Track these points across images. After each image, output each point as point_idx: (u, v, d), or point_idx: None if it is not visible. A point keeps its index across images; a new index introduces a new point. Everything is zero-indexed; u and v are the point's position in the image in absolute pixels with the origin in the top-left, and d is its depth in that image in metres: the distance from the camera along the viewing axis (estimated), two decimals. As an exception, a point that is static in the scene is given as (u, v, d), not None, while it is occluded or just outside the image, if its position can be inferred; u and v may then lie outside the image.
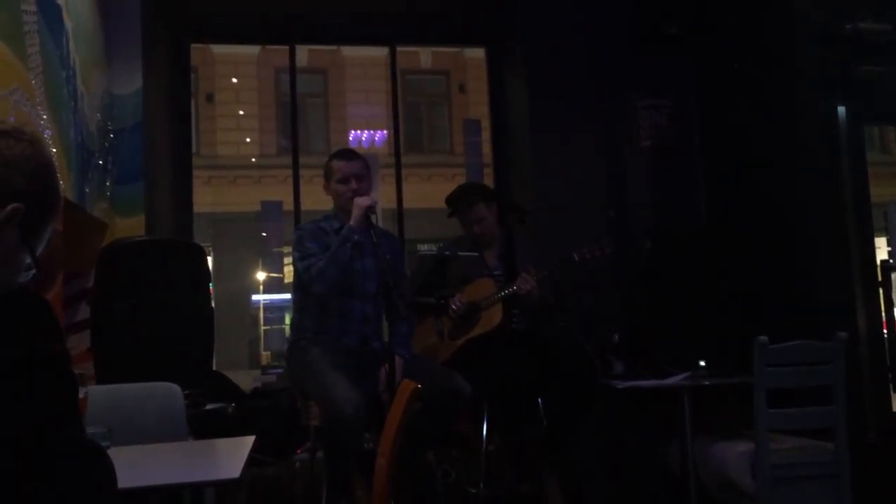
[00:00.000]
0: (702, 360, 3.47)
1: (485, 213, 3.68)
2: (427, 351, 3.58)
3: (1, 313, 0.94)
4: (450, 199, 3.81)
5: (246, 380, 5.30)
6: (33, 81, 2.76)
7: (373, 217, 3.19)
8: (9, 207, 1.09)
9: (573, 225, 4.29)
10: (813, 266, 3.69)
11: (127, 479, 1.09)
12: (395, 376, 2.92)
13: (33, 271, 1.17)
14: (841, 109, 3.86)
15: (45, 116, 2.88)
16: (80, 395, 1.13)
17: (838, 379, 2.98)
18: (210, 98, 13.59)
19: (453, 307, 3.53)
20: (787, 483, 3.01)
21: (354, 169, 3.27)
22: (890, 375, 3.83)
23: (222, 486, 1.71)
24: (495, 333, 3.50)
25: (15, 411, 0.91)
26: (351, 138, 13.55)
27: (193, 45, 5.21)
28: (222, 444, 2.27)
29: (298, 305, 3.32)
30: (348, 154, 3.37)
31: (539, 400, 3.44)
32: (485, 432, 3.43)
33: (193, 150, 5.41)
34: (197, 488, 1.76)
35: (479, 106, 11.90)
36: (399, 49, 5.56)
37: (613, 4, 4.60)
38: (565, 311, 3.74)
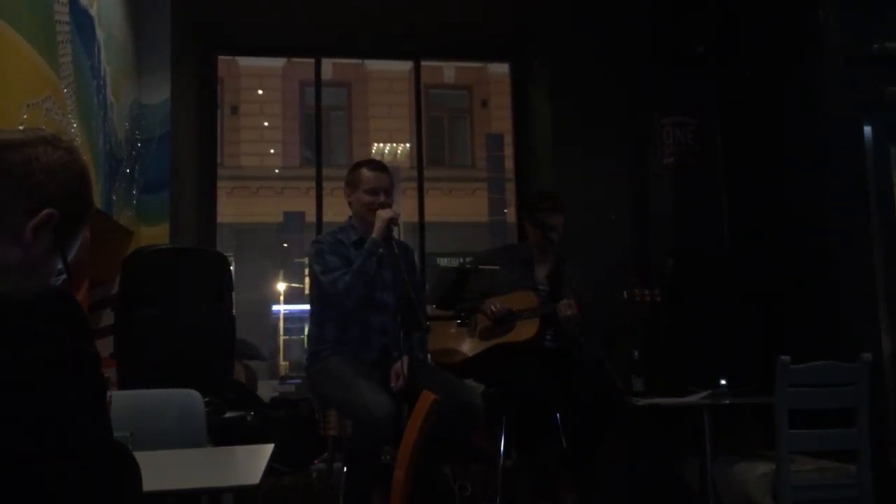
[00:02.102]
0: (723, 378, 3.44)
1: (562, 223, 3.67)
2: (454, 343, 3.58)
3: (32, 313, 0.95)
4: (533, 199, 3.77)
5: (264, 389, 5.32)
6: (65, 90, 2.81)
7: (395, 230, 3.20)
8: (43, 213, 1.11)
9: (595, 242, 4.29)
10: (837, 286, 3.66)
11: (146, 482, 1.10)
12: (413, 380, 2.93)
13: (63, 276, 1.19)
14: (867, 129, 3.84)
15: (75, 125, 2.93)
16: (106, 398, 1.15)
17: (862, 401, 2.94)
18: (235, 110, 13.75)
19: (492, 308, 3.50)
20: (809, 506, 2.97)
21: (384, 182, 3.27)
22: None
23: (241, 493, 1.71)
24: (524, 347, 3.49)
25: (44, 410, 0.93)
26: (373, 151, 13.63)
27: (220, 58, 5.29)
28: (242, 451, 2.28)
29: (317, 317, 3.30)
30: (379, 166, 3.34)
31: (557, 416, 3.42)
32: (502, 447, 3.42)
33: (218, 160, 5.47)
34: (216, 494, 1.77)
35: (500, 121, 11.95)
36: (423, 64, 5.61)
37: (639, 22, 4.61)
38: (585, 326, 3.73)
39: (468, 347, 3.58)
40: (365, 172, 3.28)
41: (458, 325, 3.62)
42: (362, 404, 2.83)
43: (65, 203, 1.14)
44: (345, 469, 3.00)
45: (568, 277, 3.62)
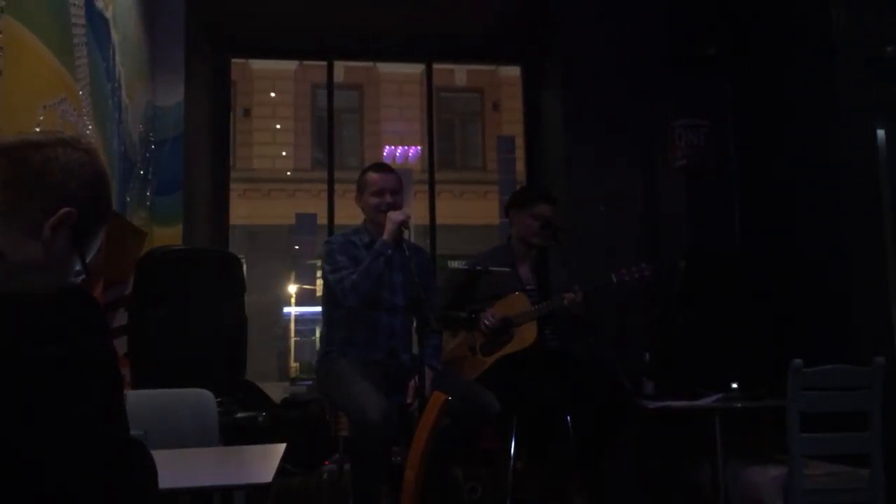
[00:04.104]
0: (734, 381, 3.43)
1: (550, 214, 3.65)
2: (459, 365, 3.57)
3: (50, 310, 0.97)
4: (526, 191, 3.84)
5: (275, 391, 5.32)
6: (80, 92, 2.84)
7: (405, 232, 3.22)
8: (61, 211, 1.13)
9: (607, 243, 4.29)
10: (850, 289, 3.64)
11: (160, 480, 1.11)
12: (424, 388, 2.93)
13: (82, 277, 1.21)
14: (880, 133, 3.82)
15: (90, 127, 2.95)
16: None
17: (875, 404, 2.93)
18: (247, 112, 13.81)
19: (486, 322, 3.49)
20: (821, 510, 2.96)
21: (389, 183, 3.29)
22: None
23: (253, 491, 1.73)
24: (528, 351, 3.48)
25: (62, 407, 0.94)
26: (385, 154, 13.66)
27: (233, 60, 5.32)
28: (254, 450, 2.29)
29: (327, 319, 3.33)
30: (384, 168, 3.40)
31: (568, 418, 3.42)
32: (513, 449, 3.42)
33: (230, 162, 5.50)
34: (228, 492, 1.78)
35: (512, 124, 11.93)
36: (434, 66, 5.62)
37: (652, 24, 4.61)
38: (595, 328, 3.72)
39: (474, 366, 3.56)
40: (370, 175, 3.32)
41: (466, 330, 3.61)
42: (357, 406, 2.84)
43: (83, 202, 1.15)
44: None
45: (558, 269, 3.62)
